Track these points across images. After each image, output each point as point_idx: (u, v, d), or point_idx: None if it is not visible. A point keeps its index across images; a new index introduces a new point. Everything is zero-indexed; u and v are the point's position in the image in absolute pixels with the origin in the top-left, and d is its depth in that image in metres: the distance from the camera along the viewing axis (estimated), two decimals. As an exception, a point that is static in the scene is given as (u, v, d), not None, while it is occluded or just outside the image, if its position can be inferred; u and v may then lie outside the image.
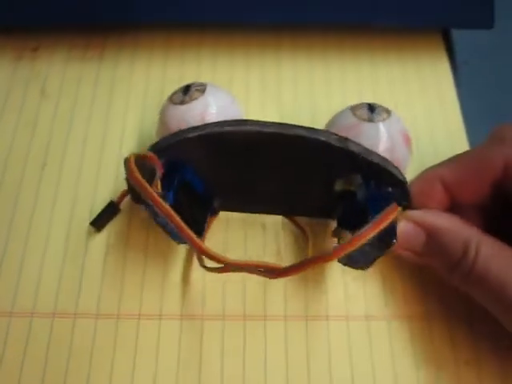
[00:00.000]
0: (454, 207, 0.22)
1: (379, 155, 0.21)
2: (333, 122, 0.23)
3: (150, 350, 0.22)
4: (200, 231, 0.22)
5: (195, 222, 0.21)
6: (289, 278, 0.23)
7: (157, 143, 0.22)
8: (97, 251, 0.24)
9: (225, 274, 0.21)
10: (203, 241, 0.23)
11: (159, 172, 0.20)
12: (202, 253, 0.20)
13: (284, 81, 0.29)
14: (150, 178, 0.20)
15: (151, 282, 0.23)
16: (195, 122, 0.21)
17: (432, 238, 0.20)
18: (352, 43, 0.31)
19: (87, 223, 0.24)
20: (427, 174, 0.22)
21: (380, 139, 0.21)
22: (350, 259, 0.20)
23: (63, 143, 0.27)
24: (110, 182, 0.26)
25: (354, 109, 0.22)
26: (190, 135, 0.20)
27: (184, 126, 0.21)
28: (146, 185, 0.20)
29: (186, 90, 0.23)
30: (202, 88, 0.23)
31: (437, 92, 0.30)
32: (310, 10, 0.29)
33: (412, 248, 0.21)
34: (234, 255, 0.21)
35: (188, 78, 0.29)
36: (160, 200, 0.19)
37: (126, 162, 0.21)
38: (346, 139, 0.20)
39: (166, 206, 0.19)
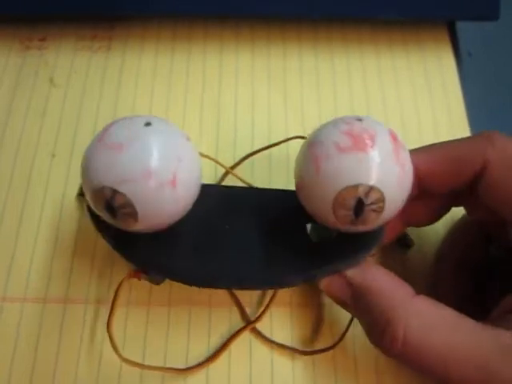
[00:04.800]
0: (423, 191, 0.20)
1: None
2: (314, 196, 0.18)
3: (139, 336, 0.23)
4: None
5: None
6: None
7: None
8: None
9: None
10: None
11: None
12: None
13: (290, 72, 0.30)
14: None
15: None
16: None
17: (357, 299, 0.19)
18: (356, 35, 0.31)
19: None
20: None
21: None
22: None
23: (72, 132, 0.27)
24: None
25: (338, 201, 0.17)
26: None
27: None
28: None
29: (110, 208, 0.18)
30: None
31: (441, 83, 0.30)
32: (316, 3, 0.29)
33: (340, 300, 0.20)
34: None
35: (194, 70, 0.30)
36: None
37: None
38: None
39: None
